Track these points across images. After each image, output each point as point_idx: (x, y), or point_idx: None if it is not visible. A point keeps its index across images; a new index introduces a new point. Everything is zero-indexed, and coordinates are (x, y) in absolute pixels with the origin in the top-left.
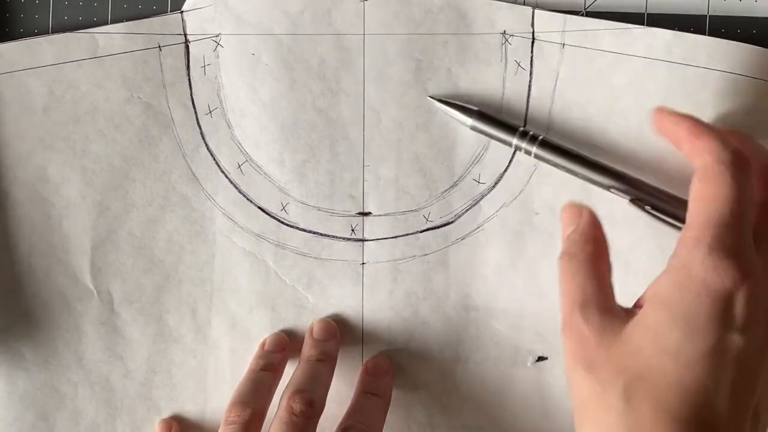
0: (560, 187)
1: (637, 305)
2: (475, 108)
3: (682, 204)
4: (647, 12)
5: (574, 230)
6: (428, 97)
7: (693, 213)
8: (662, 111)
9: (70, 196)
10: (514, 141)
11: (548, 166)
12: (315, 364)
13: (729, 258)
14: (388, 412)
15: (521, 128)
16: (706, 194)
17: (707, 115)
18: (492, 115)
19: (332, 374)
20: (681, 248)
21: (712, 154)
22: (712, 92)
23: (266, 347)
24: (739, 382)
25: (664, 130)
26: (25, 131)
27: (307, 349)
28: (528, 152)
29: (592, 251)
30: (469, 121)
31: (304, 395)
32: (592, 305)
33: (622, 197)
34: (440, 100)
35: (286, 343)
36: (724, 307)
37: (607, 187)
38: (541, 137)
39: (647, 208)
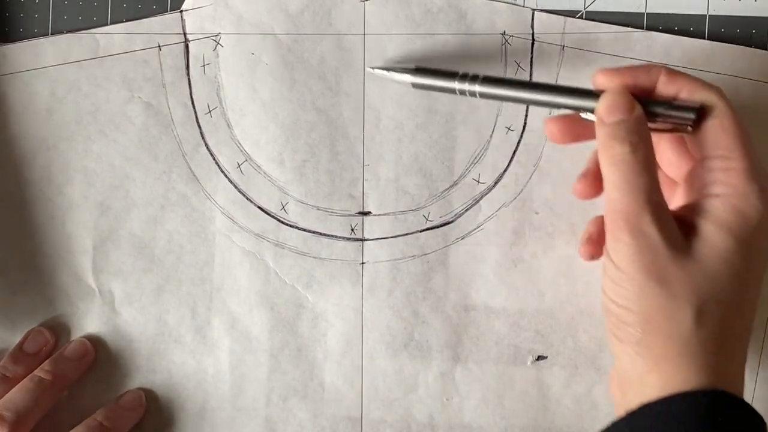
0: (560, 187)
1: (680, 218)
2: (412, 66)
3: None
4: (647, 11)
5: (631, 119)
6: (368, 68)
7: (734, 144)
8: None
9: (73, 196)
10: (456, 85)
11: (550, 164)
12: (33, 384)
13: None
14: (388, 411)
15: (460, 73)
16: (740, 127)
17: None
18: (430, 68)
19: (55, 396)
20: (734, 178)
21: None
22: None
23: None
24: None
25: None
26: (29, 132)
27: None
28: (473, 94)
29: (650, 147)
30: (409, 78)
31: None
32: (664, 208)
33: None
34: (380, 68)
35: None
36: None
37: (557, 106)
38: (482, 76)
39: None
